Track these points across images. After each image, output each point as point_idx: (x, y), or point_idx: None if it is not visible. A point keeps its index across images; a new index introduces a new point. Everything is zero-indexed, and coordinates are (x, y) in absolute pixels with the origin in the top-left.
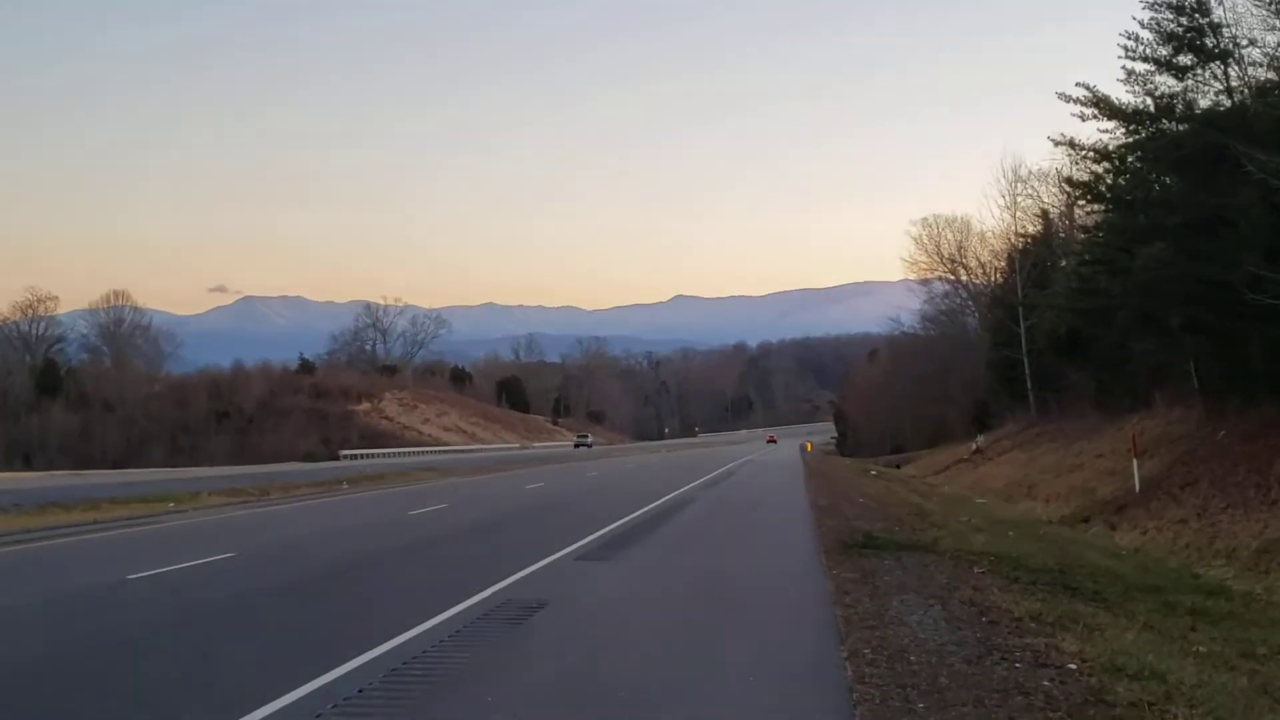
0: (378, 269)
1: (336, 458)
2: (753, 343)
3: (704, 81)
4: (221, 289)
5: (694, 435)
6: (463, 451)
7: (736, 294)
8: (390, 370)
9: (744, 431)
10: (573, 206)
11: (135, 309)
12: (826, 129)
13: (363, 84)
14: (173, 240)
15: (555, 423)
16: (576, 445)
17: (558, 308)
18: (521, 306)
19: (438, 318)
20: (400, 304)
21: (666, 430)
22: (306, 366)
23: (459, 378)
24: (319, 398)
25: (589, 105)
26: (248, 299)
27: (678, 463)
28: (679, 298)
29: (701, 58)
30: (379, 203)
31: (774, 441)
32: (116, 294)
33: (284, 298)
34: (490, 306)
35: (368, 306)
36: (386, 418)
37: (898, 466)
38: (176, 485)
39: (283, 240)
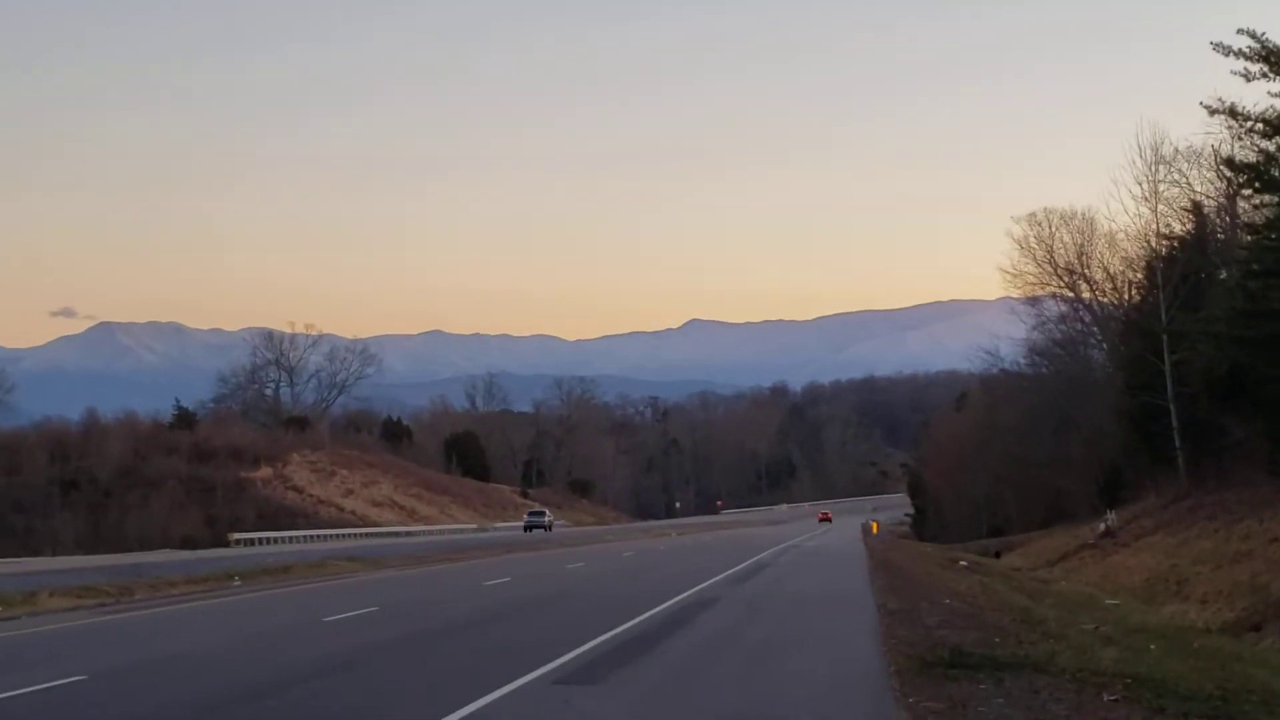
0: (282, 286)
1: (226, 543)
2: (796, 384)
3: (723, 53)
4: (69, 313)
5: (716, 512)
6: (399, 534)
7: (773, 318)
8: (299, 423)
9: (784, 507)
10: (548, 205)
11: None
12: (892, 102)
13: (278, 53)
14: (1, 249)
15: (525, 495)
16: (528, 528)
17: (529, 337)
18: (479, 336)
19: (364, 351)
20: (313, 332)
21: (678, 505)
22: (185, 418)
23: (394, 433)
24: (202, 461)
25: (570, 76)
26: (104, 326)
27: (694, 550)
28: (695, 324)
29: (718, 17)
30: (284, 201)
31: (827, 520)
32: None
33: (154, 325)
34: (436, 336)
35: (269, 336)
36: (294, 488)
37: (997, 555)
38: (5, 581)
39: (152, 250)
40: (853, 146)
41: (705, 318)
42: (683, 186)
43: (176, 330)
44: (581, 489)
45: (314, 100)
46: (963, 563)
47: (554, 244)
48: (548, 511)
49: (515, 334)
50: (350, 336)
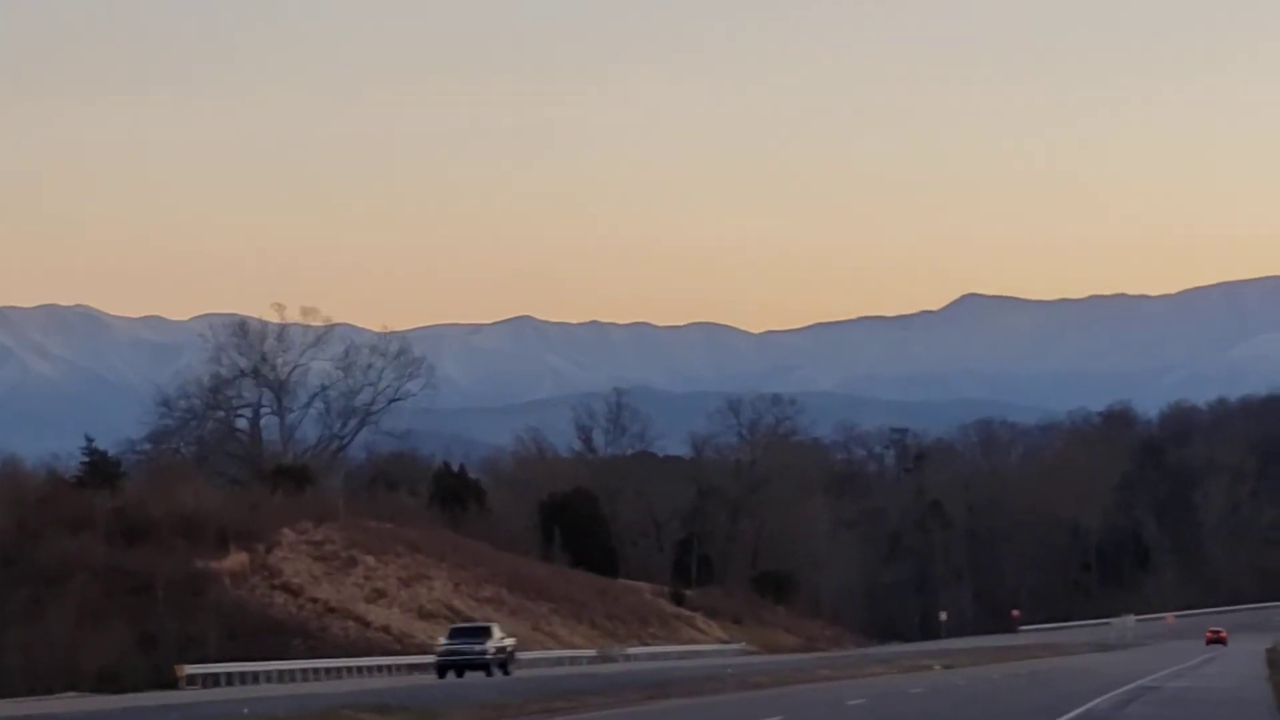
0: (261, 248)
1: (173, 682)
2: (1149, 406)
3: None
4: None
5: (1011, 629)
6: None
7: (1105, 293)
8: (295, 477)
9: (1129, 619)
10: (726, 125)
11: None
12: None
13: None
14: None
15: (678, 599)
16: (446, 666)
17: (683, 329)
18: (596, 326)
19: (403, 353)
20: (317, 323)
21: (944, 616)
22: (103, 469)
23: (454, 492)
24: (131, 542)
25: None
26: None
27: (971, 695)
28: (970, 302)
29: None
30: (263, 116)
31: (1219, 641)
32: None
33: (49, 311)
34: (523, 325)
35: (241, 329)
36: (286, 588)
37: None
38: None
39: (45, 191)
40: (1240, 35)
41: (986, 292)
42: (944, 104)
43: (87, 320)
44: (776, 588)
45: None
46: None
47: (726, 180)
48: (495, 628)
49: (660, 323)
50: (379, 329)
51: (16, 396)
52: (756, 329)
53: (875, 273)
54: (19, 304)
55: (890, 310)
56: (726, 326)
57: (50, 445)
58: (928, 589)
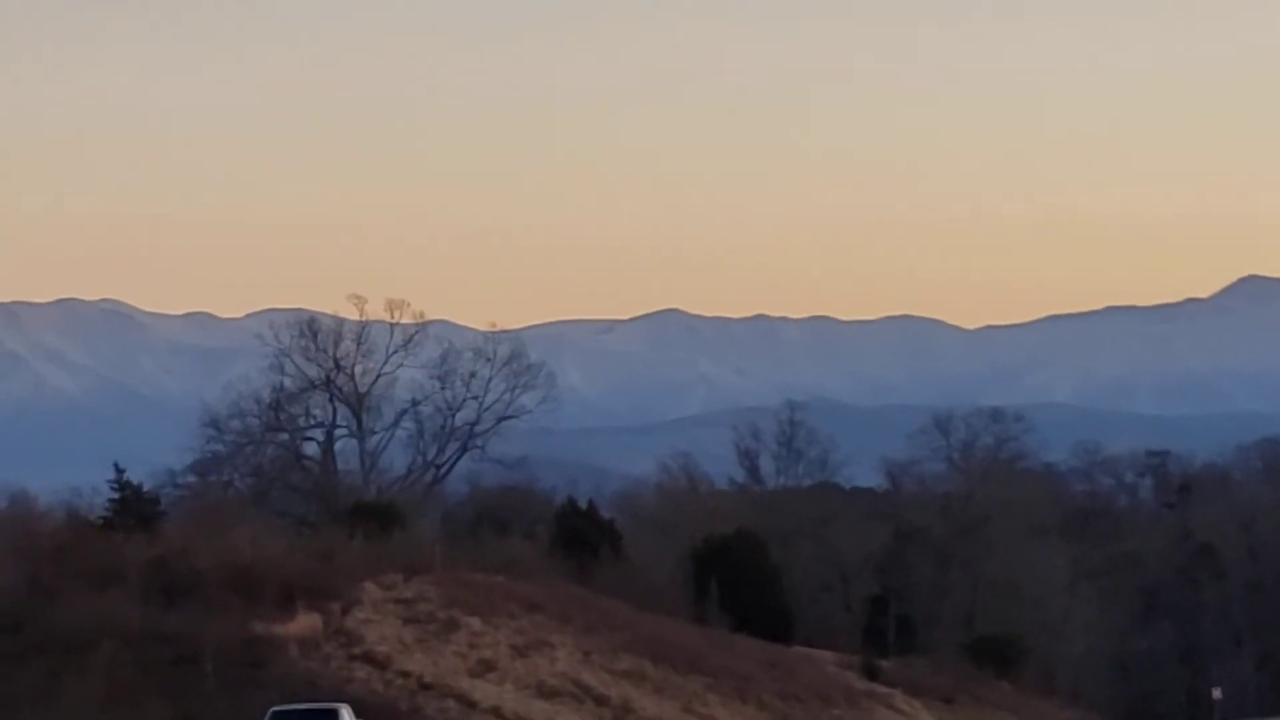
0: (339, 233)
1: None
2: None
3: None
4: None
5: None
6: None
7: None
8: (379, 517)
9: None
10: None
11: None
12: None
13: None
14: None
15: (872, 672)
16: None
17: (872, 324)
18: (763, 321)
19: (517, 358)
20: (408, 319)
21: (1217, 694)
22: (136, 506)
23: (580, 536)
24: (172, 601)
25: None
26: None
27: None
28: (1252, 285)
29: None
30: (338, 77)
31: None
32: None
33: (68, 306)
34: (669, 320)
35: (310, 329)
36: (368, 658)
37: None
38: None
39: (67, 169)
40: None
41: (1273, 274)
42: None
43: (116, 319)
44: (998, 658)
45: None
46: None
47: (921, 138)
48: (344, 712)
49: (843, 316)
50: (485, 327)
51: (28, 416)
52: (970, 324)
53: (1127, 251)
54: (31, 299)
55: (1146, 299)
56: (930, 320)
57: (70, 477)
58: (1196, 658)
